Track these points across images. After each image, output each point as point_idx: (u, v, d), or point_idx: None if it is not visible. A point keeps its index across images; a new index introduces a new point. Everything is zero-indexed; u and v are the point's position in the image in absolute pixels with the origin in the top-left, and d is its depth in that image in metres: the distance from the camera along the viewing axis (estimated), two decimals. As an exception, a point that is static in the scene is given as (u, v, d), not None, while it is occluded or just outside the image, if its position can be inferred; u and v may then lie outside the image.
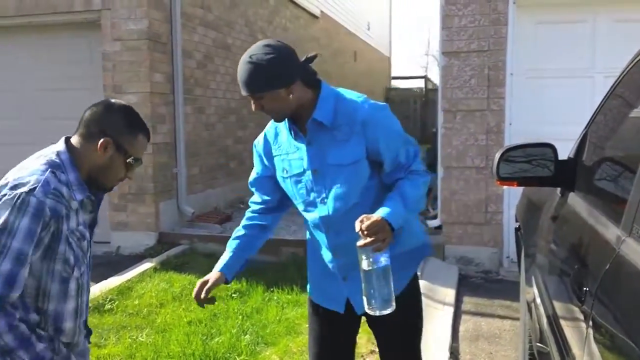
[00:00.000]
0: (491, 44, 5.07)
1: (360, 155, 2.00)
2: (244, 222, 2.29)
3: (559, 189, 2.64)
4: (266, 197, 2.27)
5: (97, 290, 4.59)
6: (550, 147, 2.55)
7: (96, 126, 1.81)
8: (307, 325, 3.97)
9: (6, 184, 1.65)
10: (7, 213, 1.57)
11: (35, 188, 1.61)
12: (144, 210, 5.93)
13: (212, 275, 2.15)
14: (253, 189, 2.31)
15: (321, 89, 2.07)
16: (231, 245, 2.26)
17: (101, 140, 1.78)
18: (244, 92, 2.02)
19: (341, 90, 2.13)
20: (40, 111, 6.36)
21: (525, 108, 5.18)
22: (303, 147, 2.06)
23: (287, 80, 1.99)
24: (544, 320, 2.38)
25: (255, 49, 2.02)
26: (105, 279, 4.88)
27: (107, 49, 5.90)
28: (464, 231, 5.22)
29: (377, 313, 1.92)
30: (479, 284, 4.95)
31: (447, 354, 3.51)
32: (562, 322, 2.00)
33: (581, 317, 1.67)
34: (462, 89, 5.13)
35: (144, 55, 5.82)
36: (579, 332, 1.70)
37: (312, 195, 2.10)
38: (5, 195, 1.61)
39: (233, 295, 4.56)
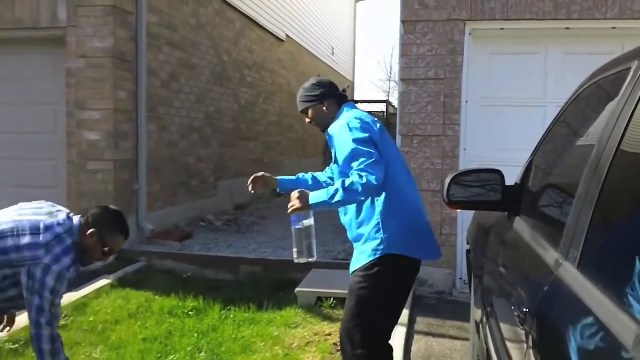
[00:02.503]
0: (448, 72, 5.25)
1: (334, 161, 2.85)
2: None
3: (506, 214, 2.75)
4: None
5: (51, 307, 4.52)
6: (498, 173, 2.67)
7: (91, 218, 2.67)
8: (262, 344, 4.01)
9: (44, 254, 2.50)
10: (54, 282, 2.47)
11: (69, 268, 2.52)
12: (102, 226, 5.87)
13: (267, 175, 3.10)
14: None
15: (341, 110, 2.93)
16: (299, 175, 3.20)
17: (90, 230, 2.61)
18: (299, 111, 3.02)
19: (349, 113, 2.88)
20: (2, 125, 6.28)
21: (479, 134, 5.36)
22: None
23: (323, 97, 2.92)
24: (490, 341, 2.46)
25: (306, 82, 3.04)
26: (61, 295, 4.81)
27: (72, 65, 5.89)
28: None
29: (295, 259, 2.84)
30: (433, 305, 5.05)
31: (400, 373, 3.58)
32: (507, 343, 2.07)
33: (522, 337, 1.73)
34: (419, 114, 5.30)
35: (108, 73, 5.83)
36: (521, 352, 1.76)
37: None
38: (49, 265, 2.47)
39: (190, 312, 4.56)
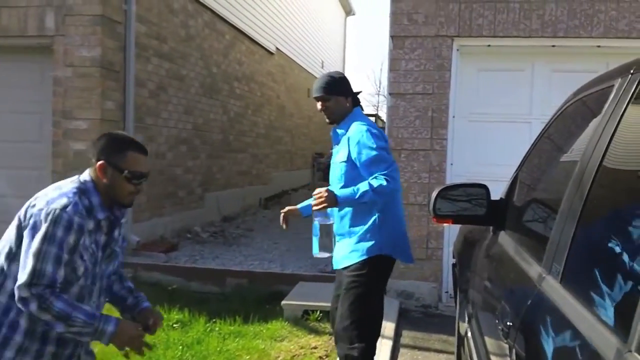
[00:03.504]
0: (435, 87, 5.29)
1: (346, 158, 3.03)
2: None
3: (491, 228, 2.77)
4: None
5: (33, 318, 4.46)
6: (484, 187, 2.69)
7: (94, 155, 2.21)
8: (247, 357, 3.98)
9: (42, 202, 2.06)
10: (46, 225, 1.99)
11: (67, 206, 2.03)
12: (87, 237, 5.81)
13: (291, 207, 3.30)
14: None
15: (353, 111, 3.17)
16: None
17: (97, 164, 2.16)
18: (317, 94, 3.14)
19: (364, 122, 3.11)
20: (-13, 133, 6.22)
21: (466, 149, 5.40)
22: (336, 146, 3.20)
23: (347, 93, 3.15)
24: (474, 354, 2.46)
25: (331, 72, 3.27)
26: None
27: (59, 74, 5.86)
28: (405, 266, 5.32)
29: (318, 254, 3.03)
30: (419, 318, 5.05)
31: (385, 387, 3.56)
32: (490, 356, 2.08)
33: (506, 351, 1.74)
34: (407, 128, 5.32)
35: (95, 82, 5.81)
36: None
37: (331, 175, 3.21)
38: (42, 209, 2.02)
39: (174, 325, 4.51)
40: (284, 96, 12.90)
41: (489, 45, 5.32)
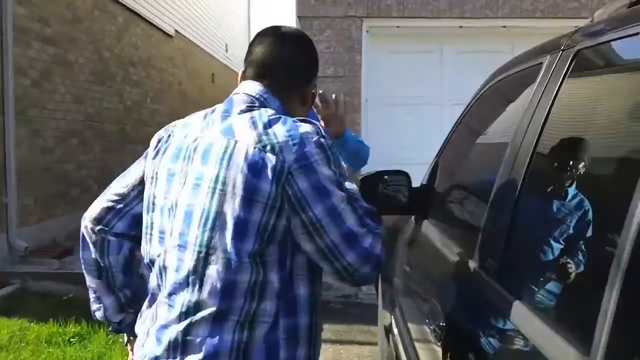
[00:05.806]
0: (347, 70, 5.18)
1: None
2: None
3: (413, 217, 2.65)
4: None
5: None
6: (404, 174, 2.53)
7: (294, 73, 1.54)
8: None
9: (285, 137, 1.35)
10: (320, 158, 1.33)
11: (318, 129, 1.38)
12: (-34, 246, 5.21)
13: None
14: None
15: None
16: None
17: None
18: None
19: None
20: None
21: (380, 133, 5.33)
22: None
23: None
24: (400, 347, 2.38)
25: None
26: None
27: None
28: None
29: None
30: (338, 310, 4.93)
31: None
32: (417, 345, 2.04)
33: (432, 339, 1.70)
34: (318, 113, 5.17)
35: (-34, 70, 5.17)
36: (432, 354, 1.74)
37: None
38: (304, 144, 1.32)
39: (71, 340, 4.10)
40: (187, 82, 12.38)
41: (397, 27, 5.27)
